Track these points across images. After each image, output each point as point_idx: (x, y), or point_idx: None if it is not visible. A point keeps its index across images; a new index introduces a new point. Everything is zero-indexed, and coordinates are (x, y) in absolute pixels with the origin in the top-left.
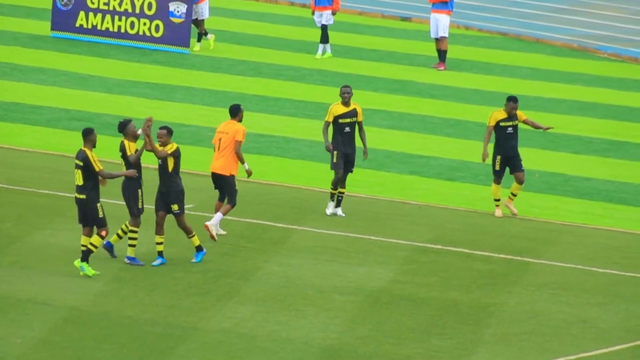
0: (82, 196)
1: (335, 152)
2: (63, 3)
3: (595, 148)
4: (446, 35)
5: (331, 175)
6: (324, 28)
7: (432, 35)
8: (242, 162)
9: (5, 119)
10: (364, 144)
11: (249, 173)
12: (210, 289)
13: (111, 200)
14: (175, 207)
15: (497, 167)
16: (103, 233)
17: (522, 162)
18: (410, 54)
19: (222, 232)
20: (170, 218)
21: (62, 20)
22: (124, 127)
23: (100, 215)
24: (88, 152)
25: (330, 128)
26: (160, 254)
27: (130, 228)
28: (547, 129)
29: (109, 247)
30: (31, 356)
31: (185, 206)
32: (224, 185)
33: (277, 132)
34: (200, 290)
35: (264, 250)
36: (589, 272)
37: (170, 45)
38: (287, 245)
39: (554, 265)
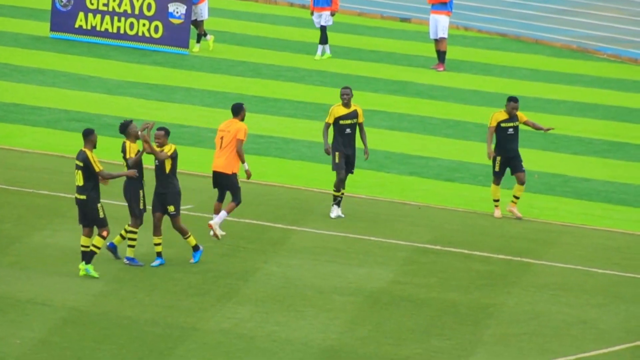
0: (83, 197)
1: (337, 153)
2: (62, 4)
3: (595, 149)
4: (445, 36)
5: (331, 175)
6: (323, 29)
7: (432, 36)
8: (243, 161)
9: (5, 120)
10: (365, 145)
11: (248, 174)
12: (210, 289)
13: (112, 201)
14: (171, 208)
15: (497, 169)
16: (104, 233)
17: (522, 163)
18: (410, 55)
19: (222, 232)
20: (167, 219)
21: (61, 21)
22: (125, 128)
23: (101, 215)
24: (88, 152)
25: (330, 129)
26: (159, 254)
27: (130, 229)
28: (548, 129)
29: (112, 249)
30: (31, 356)
31: (185, 207)
32: (227, 184)
33: (276, 133)
34: (199, 290)
35: (263, 251)
36: (589, 272)
37: (169, 46)
38: (286, 246)
39: (553, 266)
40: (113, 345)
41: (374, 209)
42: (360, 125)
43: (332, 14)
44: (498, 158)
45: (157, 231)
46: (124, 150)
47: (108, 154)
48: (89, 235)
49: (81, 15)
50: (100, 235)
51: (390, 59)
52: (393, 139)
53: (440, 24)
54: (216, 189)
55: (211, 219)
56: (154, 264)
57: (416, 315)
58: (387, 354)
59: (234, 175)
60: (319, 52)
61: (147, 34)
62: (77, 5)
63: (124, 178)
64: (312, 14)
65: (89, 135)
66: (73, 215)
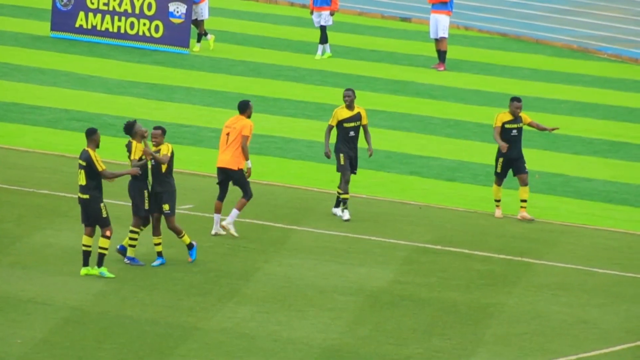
0: (86, 196)
1: (341, 155)
2: (63, 3)
3: (595, 149)
4: (446, 35)
5: (331, 175)
6: (323, 29)
7: (432, 36)
8: (247, 158)
9: (5, 119)
10: (369, 144)
11: (249, 173)
12: (211, 289)
13: (114, 201)
14: (166, 206)
15: (499, 170)
16: (107, 233)
17: (525, 165)
18: (410, 55)
19: (222, 232)
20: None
21: (62, 20)
22: (131, 128)
23: (104, 215)
24: (91, 152)
25: (333, 131)
26: (159, 254)
27: (131, 228)
28: (553, 129)
29: (122, 251)
30: (32, 356)
31: (185, 206)
32: (234, 180)
33: (276, 133)
34: (200, 290)
35: (264, 251)
36: (590, 272)
37: (170, 46)
38: (287, 246)
39: (554, 266)
40: (114, 345)
41: (374, 208)
42: (365, 127)
43: (332, 14)
44: (500, 159)
45: (156, 231)
46: (129, 150)
47: (108, 154)
48: (91, 234)
49: (82, 14)
50: (103, 235)
51: (390, 59)
52: (393, 138)
53: (440, 23)
54: (217, 189)
55: (212, 218)
56: (154, 263)
57: (417, 315)
58: (388, 353)
59: (241, 170)
60: (319, 52)
61: (147, 34)
62: (77, 4)
63: (129, 178)
64: (311, 13)
65: (92, 135)
66: (74, 215)
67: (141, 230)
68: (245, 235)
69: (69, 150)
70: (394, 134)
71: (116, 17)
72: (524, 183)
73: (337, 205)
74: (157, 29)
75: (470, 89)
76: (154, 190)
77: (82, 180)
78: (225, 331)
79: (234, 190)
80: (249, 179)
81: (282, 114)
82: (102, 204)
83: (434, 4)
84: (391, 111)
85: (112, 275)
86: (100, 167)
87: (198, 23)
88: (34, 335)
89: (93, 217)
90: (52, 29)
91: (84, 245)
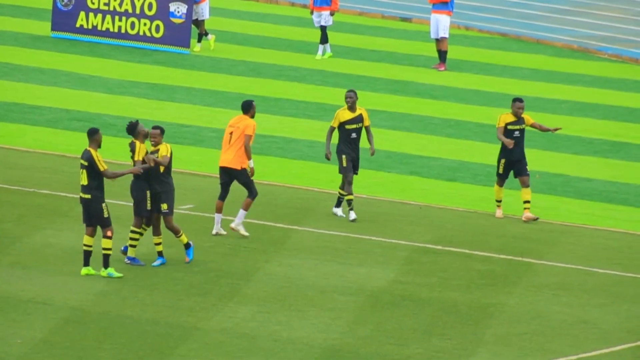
0: (87, 196)
1: (343, 156)
2: (63, 3)
3: (596, 149)
4: (446, 35)
5: (331, 175)
6: (323, 29)
7: (432, 36)
8: (249, 158)
9: (6, 119)
10: (371, 144)
11: (252, 172)
12: (211, 289)
13: (116, 201)
14: (164, 206)
15: (501, 171)
16: (109, 233)
17: (527, 166)
18: (411, 55)
19: (223, 232)
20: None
21: (62, 20)
22: (134, 128)
23: (105, 215)
24: (93, 152)
25: (335, 132)
26: (160, 254)
27: (132, 229)
28: (556, 130)
29: (126, 252)
30: (32, 356)
31: (186, 206)
32: (238, 179)
33: (277, 133)
34: (201, 290)
35: (264, 251)
36: (590, 272)
37: (170, 46)
38: (287, 246)
39: (554, 266)
40: (114, 345)
41: (374, 208)
42: (367, 128)
43: (332, 14)
44: (502, 160)
45: (156, 231)
46: (132, 150)
47: (109, 154)
48: (92, 234)
49: (82, 14)
50: (105, 235)
51: (391, 59)
52: (394, 138)
53: (441, 23)
54: (217, 189)
55: (212, 218)
56: (155, 263)
57: (417, 315)
58: (388, 353)
59: (244, 170)
60: (319, 52)
61: (148, 34)
62: (78, 4)
63: (130, 178)
64: (311, 12)
65: (93, 135)
66: (74, 215)
67: (145, 230)
68: (245, 235)
69: (70, 150)
70: (395, 134)
71: (117, 17)
72: (525, 185)
73: (338, 205)
74: (157, 29)
75: (470, 89)
76: (152, 190)
77: (84, 180)
78: (226, 331)
79: (234, 191)
80: (251, 179)
81: (282, 114)
82: (103, 204)
83: (434, 4)
84: (391, 111)
85: (120, 275)
86: (102, 167)
87: (199, 23)
88: (34, 335)
89: (94, 217)
90: (52, 29)
91: (85, 245)
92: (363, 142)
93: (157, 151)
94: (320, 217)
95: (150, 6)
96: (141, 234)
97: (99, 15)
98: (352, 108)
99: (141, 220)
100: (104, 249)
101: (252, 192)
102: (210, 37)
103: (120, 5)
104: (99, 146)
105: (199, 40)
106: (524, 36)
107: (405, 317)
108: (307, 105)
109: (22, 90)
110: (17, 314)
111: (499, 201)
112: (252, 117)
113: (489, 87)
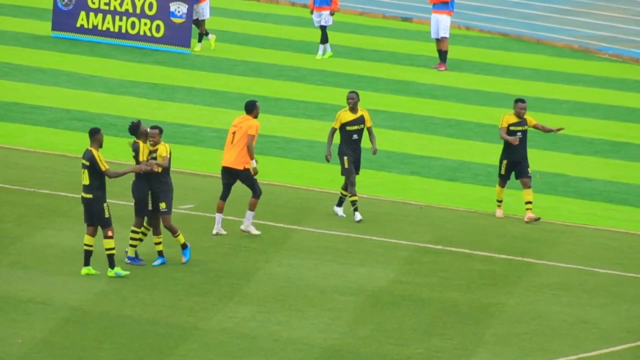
0: (89, 196)
1: (345, 158)
2: (64, 3)
3: (596, 149)
4: (447, 35)
5: (331, 175)
6: (323, 29)
7: (433, 36)
8: (252, 157)
9: (6, 119)
10: (373, 144)
11: (255, 172)
12: (211, 289)
13: (117, 201)
14: (162, 205)
15: (503, 172)
16: (109, 233)
17: (529, 168)
18: (411, 55)
19: (223, 232)
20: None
21: (63, 20)
22: (137, 129)
23: (106, 215)
24: (94, 151)
25: (337, 133)
26: (160, 253)
27: (133, 228)
28: (558, 130)
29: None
30: (32, 356)
31: (186, 206)
32: (241, 179)
33: (277, 133)
34: (201, 290)
35: (264, 251)
36: (590, 272)
37: (171, 46)
38: (287, 246)
39: (554, 266)
40: (114, 345)
41: (375, 208)
42: (369, 129)
43: (332, 14)
44: (504, 161)
45: (156, 231)
46: (135, 150)
47: (110, 154)
48: (93, 234)
49: (83, 14)
50: (106, 236)
51: (391, 59)
52: (394, 138)
53: (441, 23)
54: (218, 189)
55: (213, 218)
56: (155, 263)
57: (417, 315)
58: (388, 353)
59: (247, 170)
60: (320, 52)
61: (148, 34)
62: (78, 4)
63: (132, 177)
64: (311, 12)
65: (95, 135)
66: (74, 215)
67: (147, 230)
68: (245, 235)
69: (70, 150)
70: (395, 134)
71: (117, 17)
72: (526, 186)
73: (339, 205)
74: (158, 28)
75: (471, 89)
76: (151, 190)
77: (86, 180)
78: (226, 331)
79: (235, 191)
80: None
81: (283, 114)
82: (105, 204)
83: (435, 4)
84: (392, 111)
85: (127, 273)
86: (104, 166)
87: (199, 23)
88: (34, 335)
89: (96, 216)
90: (53, 29)
91: (86, 245)
92: (365, 143)
93: (156, 151)
94: (321, 217)
95: (150, 6)
96: (144, 234)
97: (100, 15)
98: (353, 109)
99: (142, 220)
100: (107, 249)
101: (256, 192)
102: (211, 37)
103: (121, 5)
104: (101, 146)
105: (200, 40)
106: (524, 36)
107: (405, 317)
108: (307, 105)
109: (23, 90)
110: (17, 314)
111: (500, 201)
112: (256, 117)
113: (489, 87)
